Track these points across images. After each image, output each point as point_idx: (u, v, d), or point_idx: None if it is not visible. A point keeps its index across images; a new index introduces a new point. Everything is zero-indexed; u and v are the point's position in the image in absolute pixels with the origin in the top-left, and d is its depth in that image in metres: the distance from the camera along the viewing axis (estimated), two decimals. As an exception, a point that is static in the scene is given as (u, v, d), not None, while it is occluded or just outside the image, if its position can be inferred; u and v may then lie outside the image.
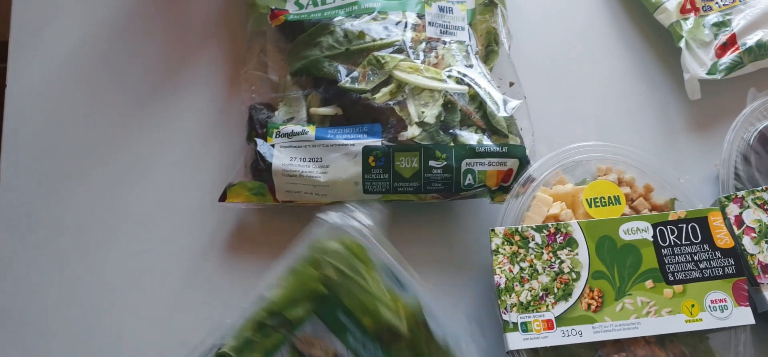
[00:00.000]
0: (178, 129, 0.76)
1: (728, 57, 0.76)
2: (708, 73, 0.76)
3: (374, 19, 0.72)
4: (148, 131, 0.75)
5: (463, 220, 0.71)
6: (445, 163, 0.65)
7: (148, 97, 0.77)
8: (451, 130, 0.66)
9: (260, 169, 0.67)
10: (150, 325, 0.65)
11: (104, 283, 0.68)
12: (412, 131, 0.66)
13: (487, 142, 0.66)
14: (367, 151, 0.65)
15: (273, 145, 0.67)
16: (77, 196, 0.72)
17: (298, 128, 0.67)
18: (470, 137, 0.66)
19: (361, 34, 0.70)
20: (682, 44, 0.77)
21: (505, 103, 0.68)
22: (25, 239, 0.69)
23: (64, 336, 0.65)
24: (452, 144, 0.66)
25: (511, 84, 0.71)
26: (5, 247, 0.69)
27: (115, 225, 0.70)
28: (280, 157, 0.66)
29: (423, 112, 0.66)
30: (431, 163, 0.65)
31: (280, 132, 0.67)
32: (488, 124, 0.67)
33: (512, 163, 0.66)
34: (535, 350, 0.58)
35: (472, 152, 0.65)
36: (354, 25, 0.71)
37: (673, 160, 0.76)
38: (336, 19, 0.71)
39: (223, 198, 0.68)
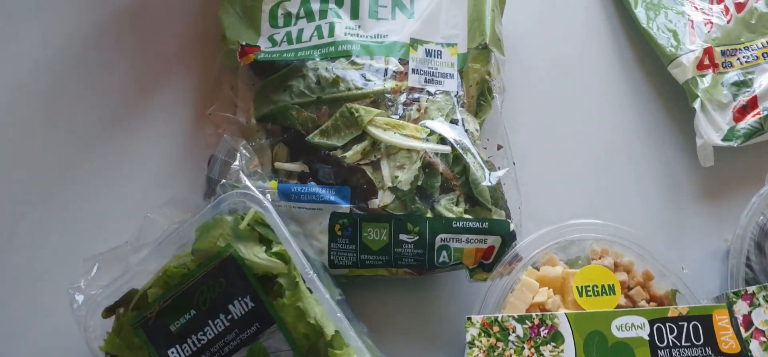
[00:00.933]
0: (134, 171, 0.70)
1: (747, 122, 0.68)
2: (723, 140, 0.68)
3: (352, 63, 0.64)
4: (100, 168, 0.69)
5: (441, 295, 0.64)
6: (418, 237, 0.58)
7: (105, 129, 0.71)
8: (429, 198, 0.59)
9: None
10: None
11: (51, 318, 0.63)
12: (384, 199, 0.59)
13: (466, 216, 0.59)
14: (334, 218, 0.59)
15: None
16: (22, 226, 0.67)
17: (258, 185, 0.60)
18: (450, 206, 0.59)
19: (336, 81, 0.63)
20: (696, 105, 0.69)
21: (490, 170, 0.61)
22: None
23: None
24: (428, 215, 0.59)
25: (500, 147, 0.64)
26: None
27: (62, 261, 0.65)
28: (239, 217, 0.60)
29: (397, 176, 0.59)
30: (402, 236, 0.58)
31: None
32: (470, 193, 0.60)
33: (493, 240, 0.59)
34: None
35: (449, 227, 0.58)
36: (329, 69, 0.63)
37: (679, 231, 0.69)
38: (309, 62, 0.64)
39: None
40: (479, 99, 0.67)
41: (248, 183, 0.56)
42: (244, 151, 0.60)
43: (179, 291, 0.54)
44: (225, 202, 0.56)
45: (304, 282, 0.54)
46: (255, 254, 0.54)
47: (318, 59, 0.64)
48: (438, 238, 0.58)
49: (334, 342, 0.52)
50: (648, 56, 0.75)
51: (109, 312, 0.56)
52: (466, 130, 0.63)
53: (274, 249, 0.55)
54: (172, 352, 0.54)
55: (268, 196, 0.59)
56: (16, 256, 0.66)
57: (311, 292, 0.54)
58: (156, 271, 0.56)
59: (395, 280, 0.62)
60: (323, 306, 0.53)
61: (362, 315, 0.61)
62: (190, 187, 0.67)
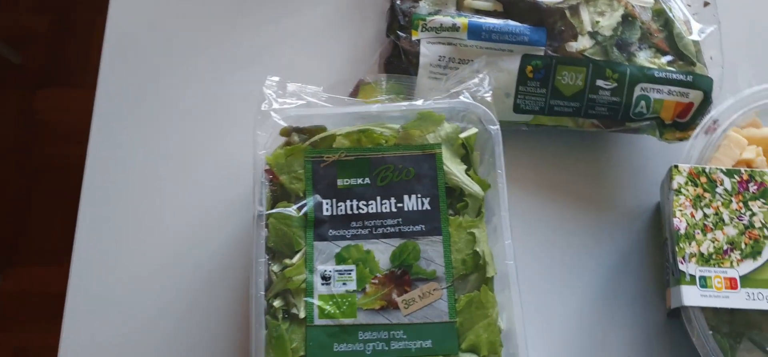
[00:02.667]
0: (302, 10, 0.69)
1: None
2: None
3: None
4: (267, 9, 0.69)
5: (620, 155, 0.62)
6: (616, 84, 0.56)
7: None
8: (628, 48, 0.57)
9: (398, 67, 0.60)
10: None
11: (205, 182, 0.63)
12: (583, 42, 0.57)
13: (670, 67, 0.57)
14: (526, 59, 0.57)
15: (418, 41, 0.59)
16: (181, 89, 0.66)
17: (447, 21, 0.59)
18: (651, 60, 0.57)
19: None
20: None
21: (695, 25, 0.58)
22: (124, 133, 0.65)
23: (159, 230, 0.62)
24: (627, 63, 0.57)
25: (706, 4, 0.60)
26: (105, 141, 0.64)
27: (222, 120, 0.65)
28: (427, 54, 0.59)
29: (597, 21, 0.57)
30: (599, 82, 0.56)
31: (426, 25, 0.60)
32: (673, 47, 0.58)
33: (695, 96, 0.57)
34: (707, 310, 0.49)
35: (651, 76, 0.56)
36: None
37: None
38: None
39: (354, 94, 0.61)
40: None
41: (489, 100, 0.54)
42: None
43: (366, 155, 0.54)
44: (460, 109, 0.54)
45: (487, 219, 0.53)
46: (456, 168, 0.53)
47: None
48: (638, 86, 0.56)
49: (489, 283, 0.51)
50: None
51: (287, 132, 0.56)
52: (668, -14, 0.60)
53: (469, 172, 0.54)
54: (327, 203, 0.53)
55: (458, 30, 0.58)
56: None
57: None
58: (349, 124, 0.55)
59: (574, 134, 0.60)
60: (505, 248, 0.51)
61: (535, 159, 0.62)
62: (366, 18, 0.67)
